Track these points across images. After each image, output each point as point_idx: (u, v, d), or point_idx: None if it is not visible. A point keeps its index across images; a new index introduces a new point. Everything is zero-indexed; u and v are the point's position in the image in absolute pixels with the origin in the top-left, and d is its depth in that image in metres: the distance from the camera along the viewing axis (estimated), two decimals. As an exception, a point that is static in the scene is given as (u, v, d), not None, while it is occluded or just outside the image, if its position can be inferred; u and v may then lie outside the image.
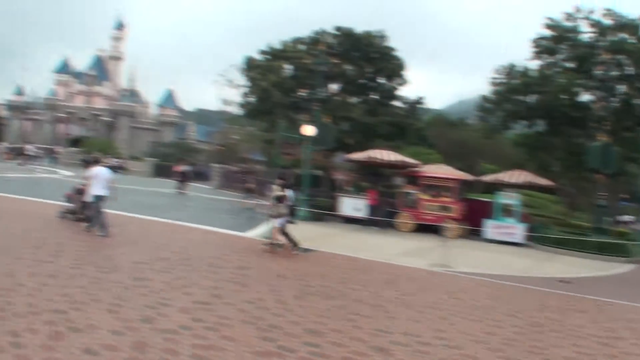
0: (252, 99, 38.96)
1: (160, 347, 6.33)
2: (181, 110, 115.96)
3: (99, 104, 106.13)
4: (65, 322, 6.92)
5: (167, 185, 38.00)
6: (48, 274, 9.39)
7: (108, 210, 15.06)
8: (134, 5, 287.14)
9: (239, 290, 9.61)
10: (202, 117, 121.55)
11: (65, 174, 41.55)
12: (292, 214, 15.16)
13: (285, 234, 14.74)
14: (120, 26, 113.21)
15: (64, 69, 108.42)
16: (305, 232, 16.52)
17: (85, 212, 15.31)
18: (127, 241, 13.77)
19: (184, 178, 34.49)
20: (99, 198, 14.58)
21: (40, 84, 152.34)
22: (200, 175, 47.41)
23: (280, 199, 14.82)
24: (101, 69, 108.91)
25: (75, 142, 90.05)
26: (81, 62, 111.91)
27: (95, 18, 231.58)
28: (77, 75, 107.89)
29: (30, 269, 9.71)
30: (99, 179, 14.68)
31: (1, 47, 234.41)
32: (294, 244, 14.76)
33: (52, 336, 6.39)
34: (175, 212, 18.45)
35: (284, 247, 14.59)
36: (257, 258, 13.34)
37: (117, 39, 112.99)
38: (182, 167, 36.25)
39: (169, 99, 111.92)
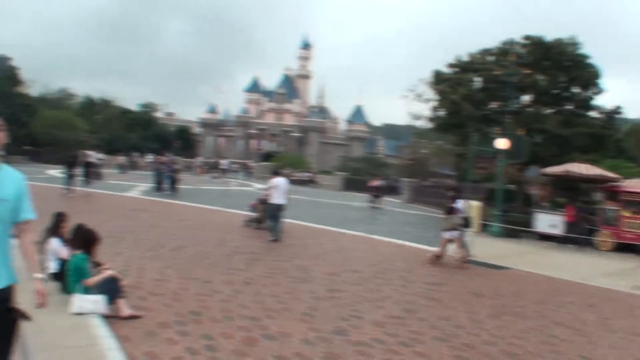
0: (441, 113, 38.45)
1: (352, 358, 6.26)
2: (369, 125, 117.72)
3: (289, 120, 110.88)
4: (258, 329, 7.08)
5: (357, 199, 38.52)
6: (242, 282, 9.73)
7: (302, 223, 15.51)
8: (320, 24, 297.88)
9: (432, 305, 9.32)
10: (390, 131, 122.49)
11: (257, 187, 43.64)
12: (466, 226, 14.61)
13: (461, 246, 14.26)
14: (307, 45, 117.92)
15: (255, 88, 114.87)
16: (498, 249, 15.89)
17: (267, 221, 16.09)
18: (319, 253, 13.98)
19: (378, 192, 34.49)
20: (278, 206, 15.54)
21: (232, 102, 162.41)
22: (391, 190, 47.48)
23: (451, 211, 14.43)
24: (290, 87, 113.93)
25: (267, 157, 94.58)
26: (270, 81, 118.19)
27: (283, 39, 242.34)
28: (267, 94, 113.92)
29: (225, 276, 10.13)
30: (279, 188, 15.69)
31: (196, 69, 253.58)
32: (466, 256, 14.23)
33: (246, 342, 6.55)
34: (366, 226, 18.54)
35: (460, 260, 14.09)
36: (450, 273, 12.93)
37: (304, 58, 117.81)
38: (376, 182, 36.35)
39: (357, 115, 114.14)
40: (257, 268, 11.17)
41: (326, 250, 14.55)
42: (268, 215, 16.01)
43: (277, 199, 15.64)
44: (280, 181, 15.99)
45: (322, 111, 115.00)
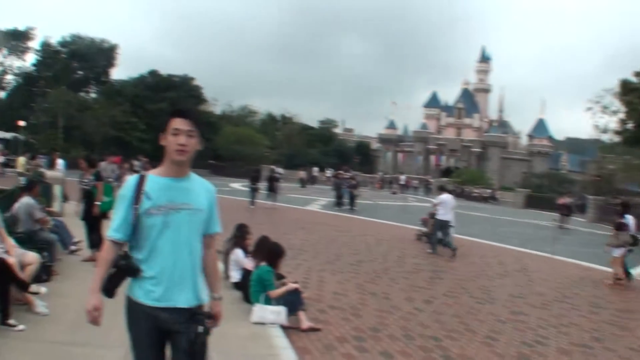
0: (629, 125, 35.95)
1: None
2: (552, 140, 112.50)
3: (469, 135, 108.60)
4: (439, 349, 6.92)
5: (540, 217, 36.87)
6: (423, 300, 9.59)
7: (483, 241, 15.21)
8: (499, 36, 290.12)
9: (621, 335, 8.59)
10: (574, 146, 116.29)
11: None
12: (635, 244, 13.42)
13: (620, 264, 13.13)
14: (486, 58, 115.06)
15: (433, 103, 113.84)
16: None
17: (442, 238, 15.85)
18: (501, 273, 13.51)
19: (567, 211, 32.33)
20: (444, 222, 15.65)
21: (410, 118, 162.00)
22: (580, 208, 44.78)
23: (620, 227, 13.36)
24: (469, 101, 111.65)
25: (446, 172, 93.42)
26: (449, 95, 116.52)
27: (461, 53, 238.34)
28: (446, 109, 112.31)
29: (405, 292, 10.05)
30: (445, 205, 15.82)
31: (373, 84, 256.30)
32: (620, 275, 13.12)
33: (426, 362, 6.41)
34: (551, 246, 17.61)
35: (613, 278, 13.10)
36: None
37: (483, 71, 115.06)
38: (566, 200, 34.12)
39: (539, 128, 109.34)
40: (437, 286, 11.01)
41: (508, 270, 14.02)
42: (435, 230, 15.99)
43: (443, 215, 15.67)
44: (446, 198, 16.10)
45: (502, 125, 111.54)
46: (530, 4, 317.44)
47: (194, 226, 3.26)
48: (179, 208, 3.18)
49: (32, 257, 7.19)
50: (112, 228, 3.18)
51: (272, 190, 27.19)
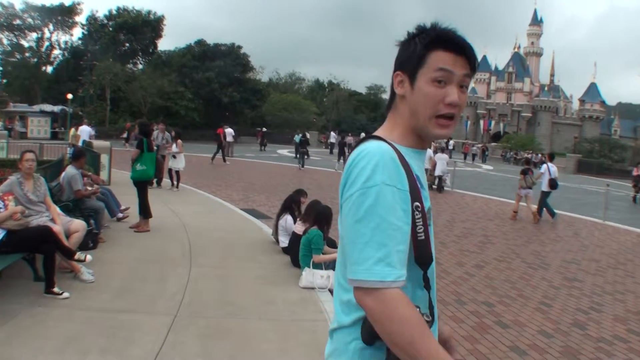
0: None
1: (591, 356, 5.76)
2: (604, 105, 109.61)
3: (519, 100, 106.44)
4: (491, 315, 6.82)
5: (591, 183, 36.15)
6: (474, 264, 9.48)
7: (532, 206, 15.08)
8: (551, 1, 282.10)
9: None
10: (627, 111, 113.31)
11: (486, 168, 42.67)
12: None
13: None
14: (538, 22, 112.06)
15: (484, 66, 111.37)
16: None
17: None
18: (554, 238, 13.28)
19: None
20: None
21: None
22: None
23: (524, 172, 14.86)
24: (520, 65, 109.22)
25: (496, 137, 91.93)
26: (500, 59, 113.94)
27: (513, 15, 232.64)
28: (497, 73, 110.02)
29: (456, 257, 9.95)
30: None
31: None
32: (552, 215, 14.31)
33: (477, 328, 6.32)
34: (604, 212, 17.18)
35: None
36: None
37: (535, 34, 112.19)
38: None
39: (591, 93, 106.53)
40: (489, 251, 10.89)
41: (561, 235, 13.78)
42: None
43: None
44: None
45: (554, 90, 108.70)
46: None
47: None
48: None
49: (78, 225, 7.29)
50: (392, 262, 1.45)
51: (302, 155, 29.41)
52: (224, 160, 27.78)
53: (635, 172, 29.34)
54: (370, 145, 1.60)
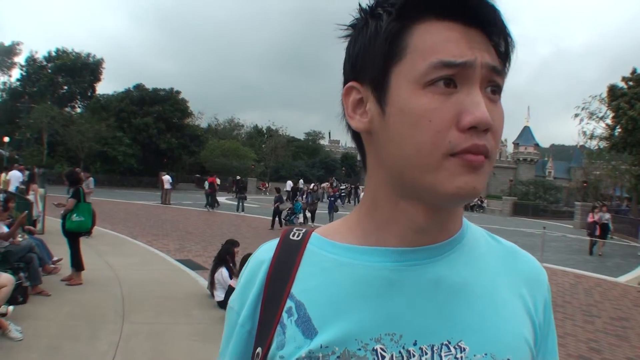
0: (617, 131, 36.12)
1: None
2: (538, 147, 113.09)
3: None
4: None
5: (527, 225, 36.92)
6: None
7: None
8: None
9: (618, 344, 8.45)
10: (560, 153, 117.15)
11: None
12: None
13: None
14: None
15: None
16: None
17: None
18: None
19: (602, 233, 23.71)
20: None
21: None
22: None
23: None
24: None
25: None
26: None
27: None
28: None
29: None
30: None
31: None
32: None
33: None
34: (540, 253, 17.49)
35: None
36: (634, 307, 11.84)
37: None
38: (598, 215, 24.31)
39: (525, 136, 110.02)
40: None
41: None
42: None
43: None
44: None
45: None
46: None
47: None
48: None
49: (5, 279, 6.96)
50: None
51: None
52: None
53: (590, 219, 24.94)
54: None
